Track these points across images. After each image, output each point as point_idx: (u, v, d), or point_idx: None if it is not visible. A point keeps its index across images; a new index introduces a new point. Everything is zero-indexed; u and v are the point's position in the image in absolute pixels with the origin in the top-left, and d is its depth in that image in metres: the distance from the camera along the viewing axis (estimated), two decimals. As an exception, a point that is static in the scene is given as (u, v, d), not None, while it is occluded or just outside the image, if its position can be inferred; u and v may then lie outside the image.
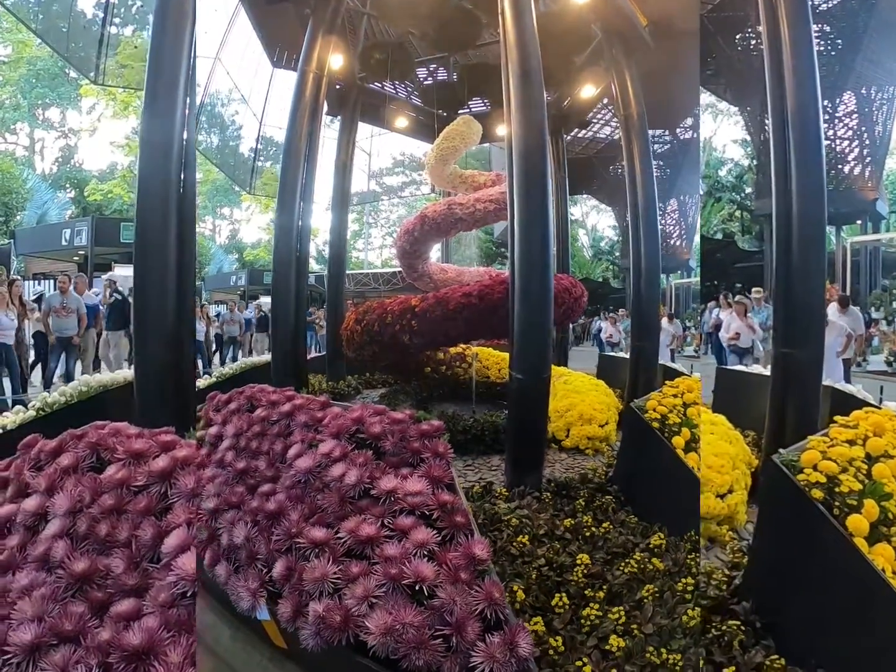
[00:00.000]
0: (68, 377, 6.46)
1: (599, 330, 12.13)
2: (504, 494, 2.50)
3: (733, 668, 1.52)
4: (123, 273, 13.02)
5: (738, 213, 24.11)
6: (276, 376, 3.74)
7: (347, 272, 8.17)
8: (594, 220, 30.46)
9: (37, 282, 13.06)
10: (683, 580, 1.86)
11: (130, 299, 8.65)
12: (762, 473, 2.83)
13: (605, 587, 1.83)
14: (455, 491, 1.53)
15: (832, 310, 6.24)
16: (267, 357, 5.47)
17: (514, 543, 1.97)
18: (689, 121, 11.65)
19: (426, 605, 1.12)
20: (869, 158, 14.31)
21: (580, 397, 3.97)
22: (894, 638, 1.33)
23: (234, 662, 1.43)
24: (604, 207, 25.95)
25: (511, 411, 2.86)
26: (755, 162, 17.79)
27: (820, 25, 12.76)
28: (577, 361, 7.77)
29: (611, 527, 2.23)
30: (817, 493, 1.60)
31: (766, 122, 14.53)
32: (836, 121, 14.01)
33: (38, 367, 6.99)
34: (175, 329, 2.55)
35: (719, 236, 22.11)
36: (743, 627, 1.63)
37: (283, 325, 3.86)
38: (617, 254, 25.49)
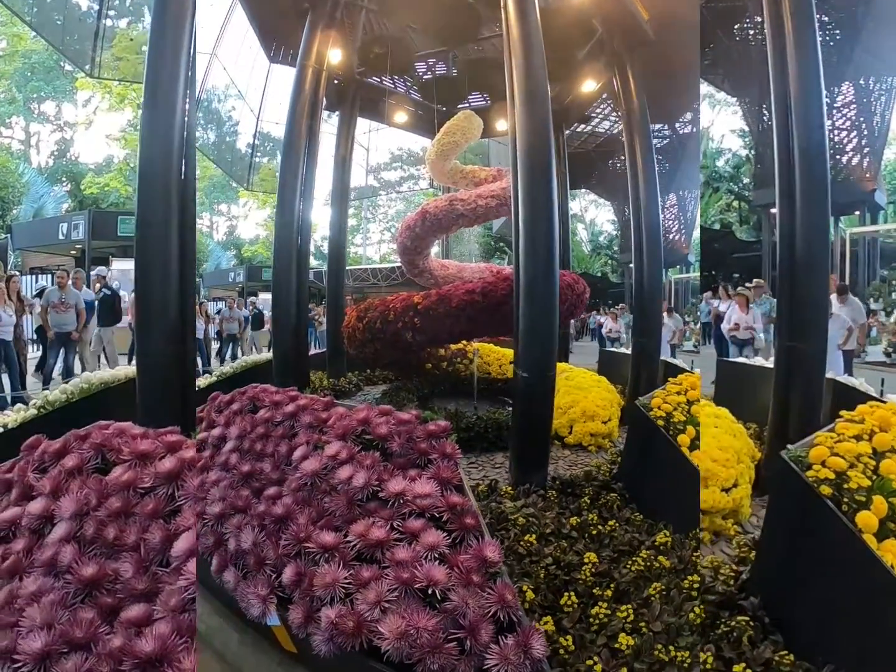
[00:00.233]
0: (67, 373, 6.43)
1: (600, 326, 12.14)
2: (510, 493, 2.50)
3: (743, 664, 1.52)
4: (121, 267, 12.97)
5: (735, 204, 24.11)
6: (278, 375, 3.73)
7: (346, 268, 8.12)
8: (592, 215, 30.42)
9: (35, 277, 12.97)
10: (689, 577, 1.87)
11: (122, 293, 8.57)
12: (765, 466, 2.86)
13: (612, 585, 1.83)
14: (464, 492, 1.52)
15: (832, 300, 6.24)
16: (267, 355, 5.45)
17: (522, 542, 1.97)
18: (689, 115, 11.58)
19: (439, 609, 1.12)
20: (867, 149, 14.27)
21: (583, 394, 3.97)
22: (904, 635, 1.33)
23: (243, 667, 1.43)
24: (602, 202, 25.89)
25: (516, 409, 2.85)
26: (753, 152, 17.75)
27: (819, 16, 12.63)
28: (577, 356, 7.78)
29: (616, 525, 2.23)
30: (826, 490, 1.60)
31: (765, 112, 14.55)
32: (835, 111, 13.95)
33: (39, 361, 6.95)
34: (177, 324, 2.54)
35: (717, 226, 22.14)
36: (751, 623, 1.64)
37: (284, 322, 3.84)
38: (616, 248, 25.47)
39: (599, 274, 25.11)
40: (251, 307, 10.38)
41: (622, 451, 3.05)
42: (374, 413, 1.81)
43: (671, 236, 17.70)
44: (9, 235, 15.24)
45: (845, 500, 1.58)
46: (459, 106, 7.02)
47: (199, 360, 7.63)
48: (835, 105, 14.00)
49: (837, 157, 14.28)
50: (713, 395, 4.29)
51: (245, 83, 10.00)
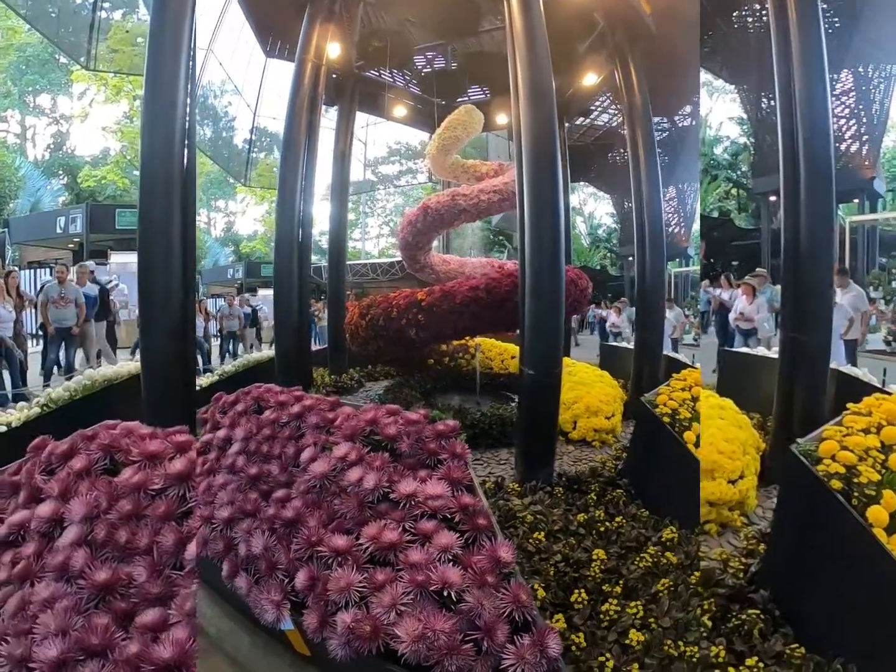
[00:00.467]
0: (68, 368, 6.42)
1: (602, 319, 12.13)
2: (516, 490, 2.50)
3: (755, 658, 1.53)
4: (120, 260, 12.91)
5: (734, 191, 24.05)
6: (281, 374, 3.71)
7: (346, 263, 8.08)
8: (591, 208, 30.31)
9: (34, 271, 12.91)
10: (696, 573, 1.88)
11: (121, 285, 8.49)
12: (769, 457, 2.87)
13: (621, 582, 1.84)
14: (475, 492, 1.52)
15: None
16: (268, 353, 5.44)
17: (531, 540, 1.98)
18: (688, 108, 11.51)
19: (454, 611, 1.12)
20: (866, 137, 14.22)
21: (586, 389, 3.97)
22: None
23: (255, 670, 1.43)
24: (601, 195, 25.79)
25: (522, 407, 2.85)
26: (752, 140, 17.66)
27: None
28: (577, 350, 7.79)
29: (623, 521, 2.24)
30: (836, 484, 1.61)
31: (763, 99, 14.47)
32: (833, 99, 13.88)
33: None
34: (180, 320, 2.52)
35: (715, 214, 22.11)
36: (762, 616, 1.65)
37: (286, 320, 3.82)
38: (615, 241, 25.42)
39: (598, 267, 25.06)
40: (244, 305, 10.30)
41: (627, 447, 3.06)
42: (382, 413, 1.80)
43: (670, 229, 17.66)
44: (6, 230, 15.16)
45: (855, 494, 1.59)
46: (459, 100, 6.96)
47: (199, 359, 7.61)
48: (833, 93, 13.93)
49: (836, 144, 14.23)
50: (716, 386, 4.29)
51: (241, 78, 9.90)
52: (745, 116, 18.85)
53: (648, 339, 4.68)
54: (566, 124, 7.76)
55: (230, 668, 1.45)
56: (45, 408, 3.32)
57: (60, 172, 23.04)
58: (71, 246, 14.70)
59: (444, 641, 1.03)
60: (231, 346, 9.21)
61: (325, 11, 4.36)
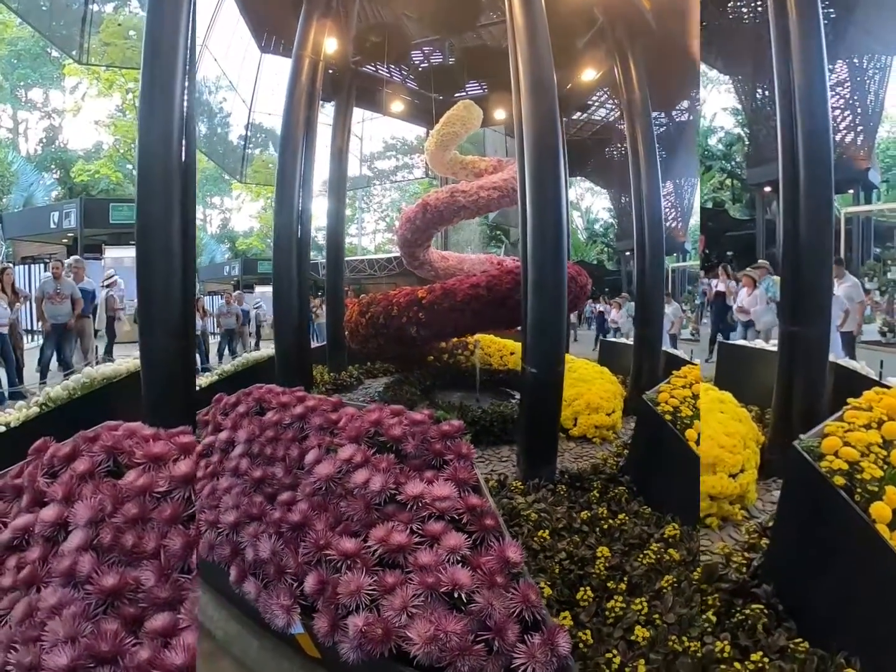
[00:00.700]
0: (65, 365, 6.38)
1: (599, 314, 12.15)
2: (519, 488, 2.51)
3: (760, 653, 1.55)
4: (114, 255, 12.80)
5: (728, 182, 24.08)
6: (281, 374, 3.69)
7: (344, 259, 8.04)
8: (588, 203, 30.26)
9: (27, 267, 12.78)
10: (698, 570, 1.89)
11: (119, 280, 8.44)
12: (769, 450, 2.89)
13: (625, 579, 1.86)
14: (481, 492, 1.52)
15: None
16: (268, 352, 5.41)
17: (535, 538, 1.99)
18: (686, 103, 11.48)
19: (465, 611, 1.12)
20: (861, 127, 14.23)
21: (586, 386, 3.98)
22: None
23: (265, 672, 1.43)
24: (598, 189, 25.75)
25: (524, 405, 2.85)
26: (746, 130, 17.64)
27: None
28: (574, 345, 7.79)
29: (626, 518, 2.25)
30: (839, 480, 1.62)
31: (758, 90, 14.45)
32: (829, 90, 13.87)
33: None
34: (181, 317, 2.50)
35: (710, 205, 22.16)
36: (766, 611, 1.67)
37: (286, 318, 3.79)
38: (612, 236, 25.41)
39: (595, 262, 25.06)
40: (241, 303, 10.21)
41: (629, 445, 3.07)
42: (386, 414, 1.80)
43: (668, 224, 17.66)
44: (-1, 225, 15.01)
45: (858, 490, 1.60)
46: (456, 95, 6.92)
47: (197, 358, 7.55)
48: (829, 83, 13.90)
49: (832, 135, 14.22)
50: (714, 378, 4.31)
51: (236, 74, 9.80)
52: (739, 107, 18.84)
53: (648, 335, 4.69)
54: (563, 119, 7.73)
55: None
56: (43, 407, 3.30)
57: (53, 167, 22.81)
58: (65, 241, 14.57)
59: (456, 642, 1.04)
60: (229, 345, 9.15)
61: (323, 7, 4.31)
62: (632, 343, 5.33)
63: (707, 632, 1.66)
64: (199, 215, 27.99)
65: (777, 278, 6.73)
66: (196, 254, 2.71)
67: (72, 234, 13.85)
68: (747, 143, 17.52)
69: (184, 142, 2.51)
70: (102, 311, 7.76)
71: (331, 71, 6.02)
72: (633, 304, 8.39)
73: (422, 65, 7.02)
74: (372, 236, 30.70)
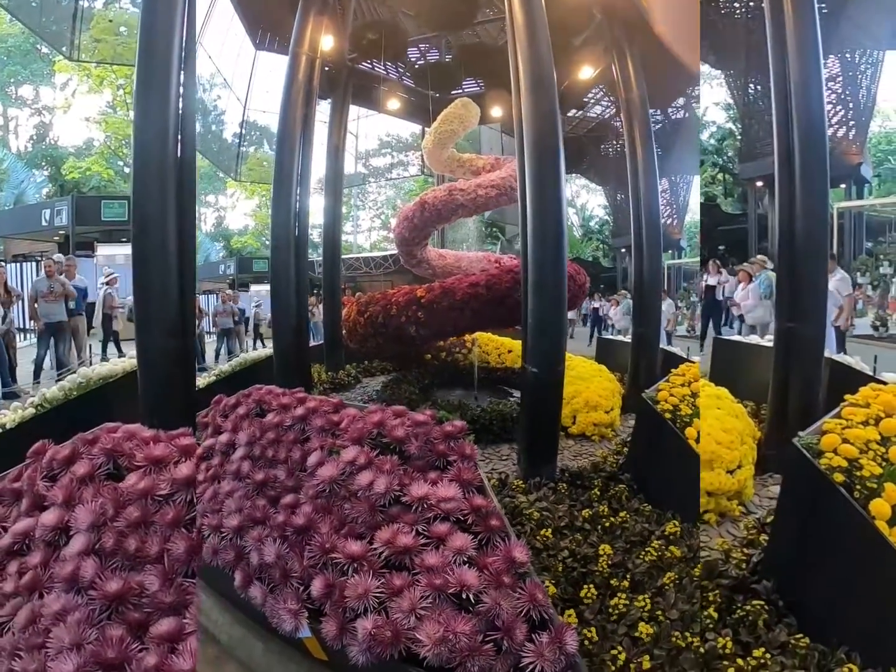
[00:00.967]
0: (59, 364, 6.33)
1: (594, 311, 12.19)
2: (521, 486, 2.51)
3: (762, 648, 1.56)
4: (106, 252, 12.71)
5: (720, 177, 24.18)
6: (280, 374, 3.67)
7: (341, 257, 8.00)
8: (583, 200, 30.30)
9: (19, 265, 12.65)
10: (700, 566, 1.91)
11: (117, 277, 8.37)
12: (765, 445, 2.91)
13: (628, 576, 1.87)
14: (485, 493, 1.52)
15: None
16: (266, 351, 5.39)
17: (538, 537, 2.00)
18: (681, 100, 11.52)
19: (473, 612, 1.13)
20: (853, 122, 14.31)
21: (585, 384, 3.99)
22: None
23: (271, 676, 1.43)
24: (594, 187, 25.78)
25: (525, 404, 2.85)
26: (738, 125, 17.71)
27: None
28: (570, 342, 7.78)
29: (627, 516, 2.26)
30: (839, 477, 1.64)
31: (750, 85, 14.49)
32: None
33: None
34: (178, 316, 2.47)
35: (702, 200, 22.28)
36: (766, 607, 1.68)
37: (284, 318, 3.77)
38: (607, 233, 25.47)
39: (591, 259, 25.12)
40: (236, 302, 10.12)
41: (629, 443, 3.08)
42: (389, 415, 1.79)
43: (663, 221, 17.73)
44: (-9, 223, 14.85)
45: (857, 487, 1.62)
46: (453, 92, 6.90)
47: (194, 357, 7.48)
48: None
49: (824, 131, 14.28)
50: (708, 374, 4.33)
51: (231, 72, 9.72)
52: (731, 102, 18.90)
53: (645, 333, 4.71)
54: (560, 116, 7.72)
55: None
56: (39, 408, 3.27)
57: (44, 164, 22.57)
58: (56, 238, 14.45)
59: (466, 643, 1.04)
60: (227, 344, 9.10)
61: (319, 3, 4.27)
62: (628, 340, 5.35)
63: (708, 628, 1.67)
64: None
65: (773, 274, 6.77)
66: (195, 251, 2.68)
67: (63, 231, 13.75)
68: (739, 137, 17.57)
69: (180, 137, 2.48)
70: (100, 309, 7.72)
71: (327, 68, 5.98)
72: (630, 301, 8.42)
73: (418, 62, 6.99)
74: (367, 234, 30.62)
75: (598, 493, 2.51)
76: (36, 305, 6.30)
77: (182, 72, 2.49)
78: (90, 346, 7.34)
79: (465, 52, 6.18)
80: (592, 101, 9.54)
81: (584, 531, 2.14)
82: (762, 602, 1.69)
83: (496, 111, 6.94)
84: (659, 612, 1.69)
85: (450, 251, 6.01)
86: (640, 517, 2.31)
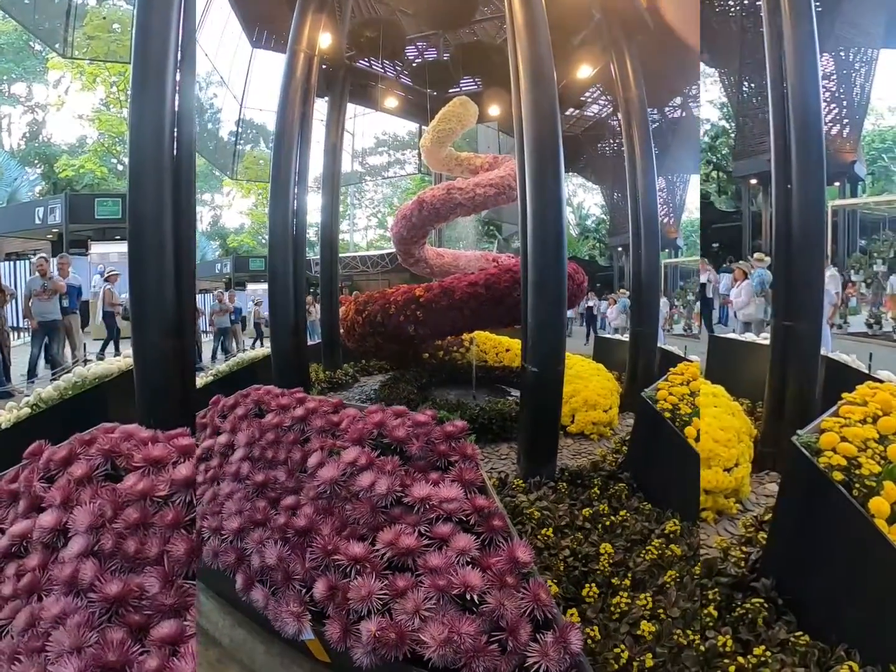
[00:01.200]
0: (53, 363, 6.30)
1: (589, 308, 12.22)
2: (521, 486, 2.51)
3: (762, 646, 1.57)
4: (100, 250, 12.63)
5: (714, 174, 24.26)
6: (278, 374, 3.65)
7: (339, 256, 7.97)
8: (580, 198, 30.32)
9: (12, 263, 12.56)
10: (700, 564, 1.92)
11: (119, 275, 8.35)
12: (761, 443, 2.92)
13: (629, 575, 1.87)
14: (487, 493, 1.52)
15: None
16: (263, 351, 5.37)
17: (539, 536, 2.00)
18: (679, 100, 11.55)
19: (477, 613, 1.12)
20: (847, 121, 14.37)
21: (583, 383, 4.00)
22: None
23: (273, 677, 1.42)
24: (590, 185, 25.79)
25: (525, 404, 2.85)
26: (732, 123, 17.76)
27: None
28: (567, 341, 7.78)
29: (627, 515, 2.26)
30: (838, 476, 1.64)
31: (744, 83, 14.52)
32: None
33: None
34: (176, 315, 2.45)
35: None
36: (765, 605, 1.69)
37: (282, 317, 3.75)
38: (603, 232, 25.51)
39: (587, 257, 25.16)
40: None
41: (628, 441, 3.09)
42: (389, 415, 1.78)
43: (660, 220, 17.75)
44: (-17, 221, 14.72)
45: (856, 485, 1.62)
46: (451, 91, 6.88)
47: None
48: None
49: (818, 129, 14.34)
50: (704, 371, 4.34)
51: (227, 70, 9.66)
52: (725, 100, 18.95)
53: (643, 332, 4.72)
54: (557, 115, 7.72)
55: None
56: (35, 408, 3.25)
57: (37, 162, 22.38)
58: (49, 237, 14.35)
59: (471, 644, 1.04)
60: (223, 343, 9.06)
61: (317, 1, 4.24)
62: (626, 339, 5.36)
63: (708, 626, 1.68)
64: (190, 212, 27.59)
65: (762, 271, 6.81)
66: (194, 250, 2.65)
67: (57, 229, 13.66)
68: (733, 135, 17.64)
69: (178, 136, 2.46)
70: (100, 306, 7.68)
71: (325, 66, 5.95)
72: (626, 299, 8.43)
73: (416, 60, 6.97)
74: (364, 232, 30.55)
75: (598, 491, 2.51)
76: (31, 304, 6.26)
77: (179, 70, 2.47)
78: (84, 344, 7.28)
79: (463, 51, 6.16)
80: (590, 100, 9.55)
81: (585, 530, 2.15)
82: (761, 600, 1.70)
83: (494, 110, 6.93)
84: (660, 611, 1.70)
85: (448, 250, 6.01)
86: (640, 516, 2.31)
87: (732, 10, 13.31)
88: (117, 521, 1.37)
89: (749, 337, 4.62)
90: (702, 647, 1.60)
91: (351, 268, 15.39)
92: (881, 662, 1.43)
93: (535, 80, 2.64)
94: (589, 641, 1.54)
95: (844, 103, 14.32)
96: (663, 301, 9.33)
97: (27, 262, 11.44)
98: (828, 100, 14.21)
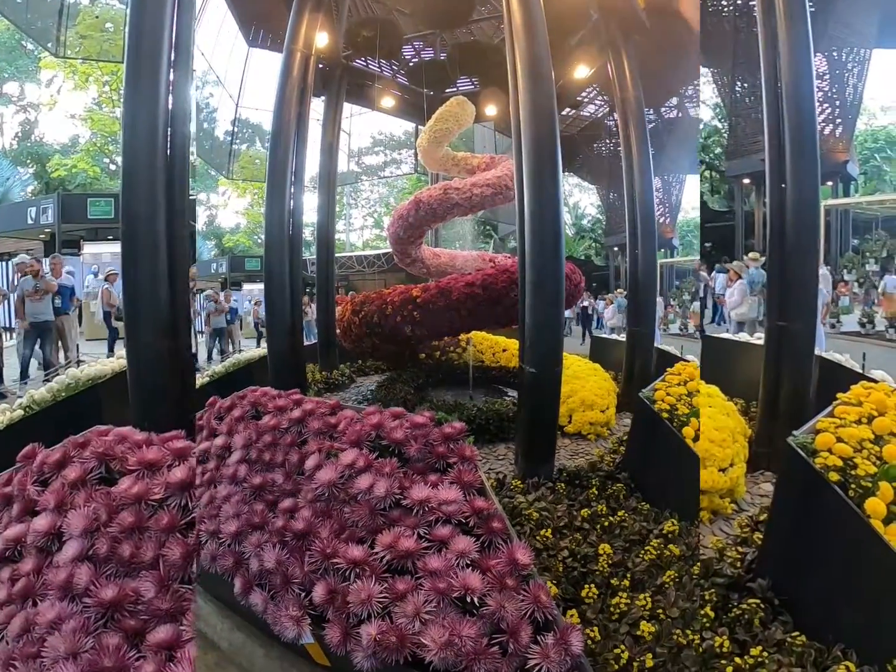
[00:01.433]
0: (46, 364, 6.25)
1: (584, 308, 12.24)
2: (519, 486, 2.51)
3: (759, 647, 1.57)
4: (93, 250, 12.54)
5: (706, 174, 24.35)
6: (275, 376, 3.63)
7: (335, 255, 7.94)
8: (576, 198, 30.37)
9: (7, 262, 12.44)
10: (698, 564, 1.92)
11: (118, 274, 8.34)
12: (756, 443, 2.93)
13: (628, 575, 1.87)
14: (486, 494, 1.51)
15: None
16: (260, 351, 5.34)
17: (538, 537, 2.00)
18: (675, 100, 11.59)
19: (477, 615, 1.12)
20: (840, 120, 14.43)
21: (580, 383, 4.00)
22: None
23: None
24: (586, 185, 25.84)
25: (523, 405, 2.85)
26: (725, 123, 17.83)
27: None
28: (564, 341, 7.80)
29: (625, 515, 2.27)
30: (834, 476, 1.65)
31: (737, 83, 14.58)
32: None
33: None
34: (170, 316, 2.42)
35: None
36: (761, 605, 1.69)
37: (278, 318, 3.73)
38: (599, 231, 25.56)
39: (583, 257, 25.19)
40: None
41: (626, 441, 3.09)
42: (387, 417, 1.77)
43: (656, 220, 17.79)
44: (-25, 221, 14.58)
45: (852, 486, 1.63)
46: (447, 91, 6.88)
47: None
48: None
49: (811, 129, 14.45)
50: (698, 371, 4.34)
51: (223, 69, 9.61)
52: (717, 100, 19.02)
53: (640, 332, 4.73)
54: (554, 115, 7.73)
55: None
56: (27, 410, 3.22)
57: (29, 161, 22.18)
58: (42, 237, 14.25)
59: (471, 646, 1.04)
60: (218, 344, 9.02)
61: (314, 0, 4.23)
62: (622, 339, 5.37)
63: (705, 627, 1.68)
64: (184, 212, 27.42)
65: (754, 271, 6.84)
66: (188, 250, 2.63)
67: (49, 229, 13.58)
68: (726, 134, 17.71)
69: (172, 136, 2.44)
70: (100, 307, 7.64)
71: (321, 66, 5.93)
72: (622, 299, 8.45)
73: (413, 60, 6.95)
74: (360, 232, 30.45)
75: (596, 492, 2.52)
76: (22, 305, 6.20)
77: (173, 68, 2.45)
78: (77, 345, 7.23)
79: (460, 51, 6.16)
80: (586, 100, 9.57)
81: (584, 531, 2.15)
82: (758, 600, 1.70)
83: (490, 110, 6.93)
84: (660, 611, 1.71)
85: (444, 250, 6.00)
86: (638, 516, 2.32)
87: (726, 10, 13.37)
88: (112, 525, 1.35)
89: (743, 337, 4.64)
90: (700, 648, 1.60)
91: (347, 267, 15.36)
92: (877, 662, 1.43)
93: (533, 80, 2.64)
94: (589, 642, 1.54)
95: (837, 103, 14.40)
96: (659, 301, 9.36)
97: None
98: (821, 100, 14.29)
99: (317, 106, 6.73)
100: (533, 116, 2.63)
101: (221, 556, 1.41)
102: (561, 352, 2.77)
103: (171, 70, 2.43)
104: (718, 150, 21.44)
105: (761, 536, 2.04)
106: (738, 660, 1.55)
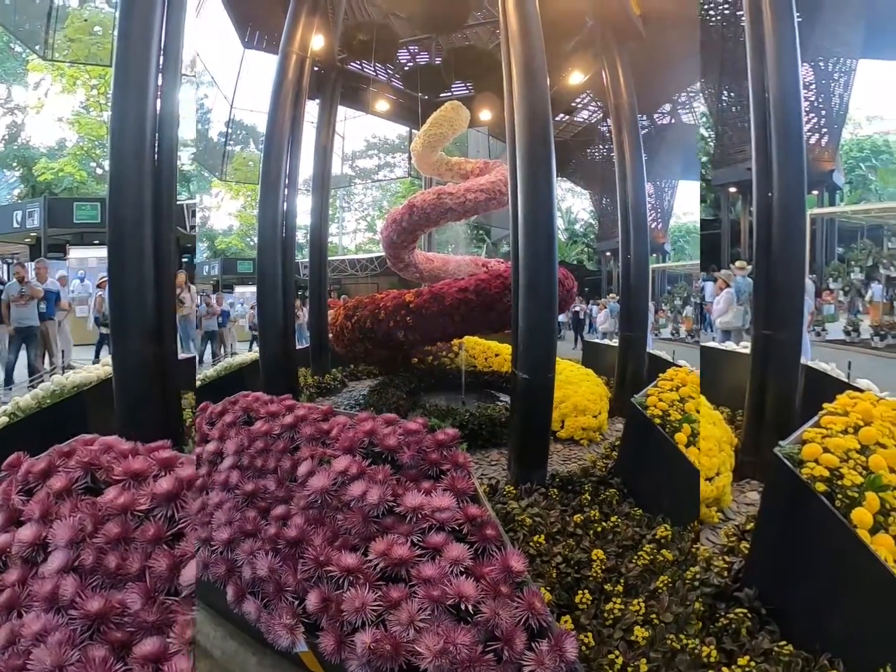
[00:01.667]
0: (31, 370, 6.16)
1: (575, 313, 12.32)
2: (512, 492, 2.50)
3: (747, 657, 1.57)
4: (79, 255, 12.40)
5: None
6: (267, 380, 3.59)
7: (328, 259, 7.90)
8: (569, 203, 30.58)
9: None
10: (691, 569, 1.92)
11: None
12: (742, 452, 2.94)
13: (621, 581, 1.87)
14: (480, 502, 1.50)
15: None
16: (251, 355, 5.30)
17: (531, 543, 1.99)
18: (668, 107, 11.72)
19: (472, 623, 1.11)
20: (825, 130, 14.64)
21: (573, 388, 4.01)
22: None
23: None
24: (579, 190, 26.04)
25: (516, 410, 2.84)
26: (711, 132, 18.07)
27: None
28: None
29: (618, 520, 2.27)
30: (820, 487, 1.65)
31: (724, 92, 14.76)
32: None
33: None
34: (157, 321, 2.40)
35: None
36: (749, 615, 1.69)
37: (271, 322, 3.70)
38: (592, 236, 25.74)
39: (576, 262, 25.36)
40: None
41: (618, 447, 3.10)
42: (380, 423, 1.76)
43: (649, 225, 17.95)
44: (-40, 225, 14.35)
45: (839, 496, 1.63)
46: (442, 95, 6.90)
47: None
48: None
49: (797, 139, 14.67)
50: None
51: (217, 70, 9.57)
52: (704, 108, 19.27)
53: (632, 337, 4.75)
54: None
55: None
56: (12, 417, 3.17)
57: (15, 164, 21.90)
58: (28, 240, 14.07)
59: (466, 654, 1.04)
60: (210, 347, 8.93)
61: (310, 3, 4.23)
62: (615, 344, 5.40)
63: (692, 636, 1.68)
64: (176, 214, 27.24)
65: (741, 279, 6.92)
66: (175, 255, 2.61)
67: (35, 233, 13.42)
68: (712, 143, 17.95)
69: (160, 141, 2.43)
70: (91, 313, 7.55)
71: (316, 68, 5.93)
72: (614, 304, 8.50)
73: (408, 64, 6.97)
74: (352, 236, 30.41)
75: (589, 497, 2.52)
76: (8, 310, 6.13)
77: (161, 73, 2.43)
78: (63, 351, 7.13)
79: (456, 56, 6.18)
80: (580, 105, 9.64)
81: (577, 536, 2.15)
82: (745, 610, 1.70)
83: (485, 115, 6.96)
84: (653, 616, 1.70)
85: (437, 254, 6.00)
86: (631, 521, 2.32)
87: (713, 20, 13.56)
88: (98, 536, 1.33)
89: (729, 345, 4.67)
90: (695, 652, 1.60)
91: (340, 271, 15.31)
92: (864, 672, 1.44)
93: (528, 84, 2.65)
94: (583, 648, 1.54)
95: (823, 113, 14.62)
96: (649, 305, 9.43)
97: (6, 266, 11.20)
98: (807, 109, 14.50)
99: (311, 108, 6.73)
100: (528, 120, 2.64)
101: (213, 564, 1.39)
102: (554, 356, 2.78)
103: (160, 74, 2.42)
104: (705, 158, 21.70)
105: (748, 546, 2.04)
106: (725, 669, 1.55)
